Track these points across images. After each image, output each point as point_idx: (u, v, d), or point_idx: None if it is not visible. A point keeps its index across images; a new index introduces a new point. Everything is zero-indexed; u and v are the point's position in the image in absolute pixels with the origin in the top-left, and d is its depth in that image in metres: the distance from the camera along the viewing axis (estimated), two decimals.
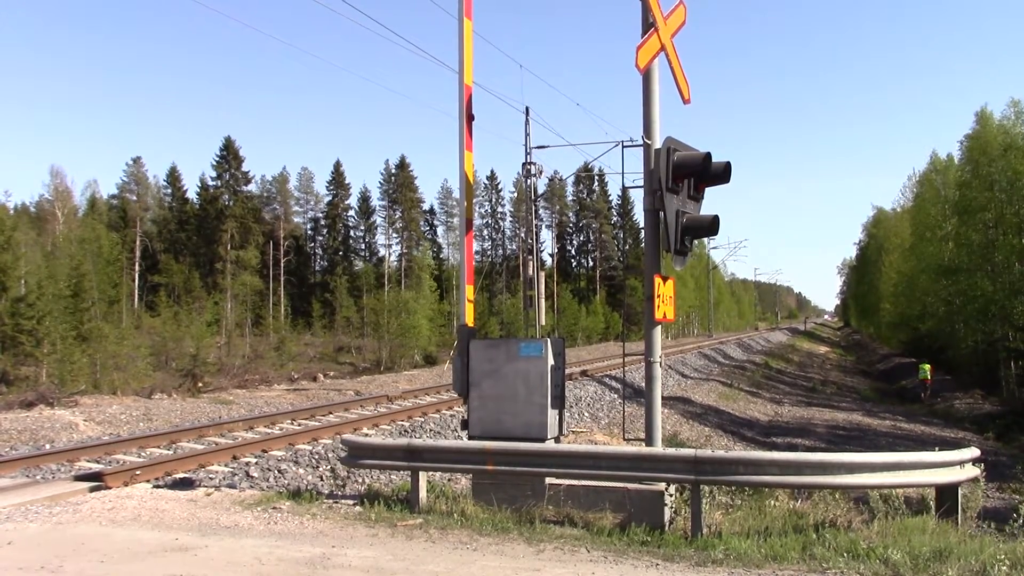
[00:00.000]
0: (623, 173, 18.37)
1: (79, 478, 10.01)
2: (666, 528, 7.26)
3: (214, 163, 69.62)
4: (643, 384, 9.13)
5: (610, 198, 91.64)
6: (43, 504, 8.28)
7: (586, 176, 74.22)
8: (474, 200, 41.46)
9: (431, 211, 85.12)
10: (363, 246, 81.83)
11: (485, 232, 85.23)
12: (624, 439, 13.51)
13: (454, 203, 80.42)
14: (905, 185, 62.88)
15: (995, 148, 33.77)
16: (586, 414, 19.94)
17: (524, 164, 21.10)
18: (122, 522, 7.47)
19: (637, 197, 9.75)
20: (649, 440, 8.26)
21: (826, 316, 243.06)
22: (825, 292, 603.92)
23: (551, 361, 8.29)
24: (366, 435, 13.76)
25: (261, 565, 6.04)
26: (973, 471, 7.66)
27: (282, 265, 73.31)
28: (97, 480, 9.65)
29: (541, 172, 21.55)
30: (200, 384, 32.53)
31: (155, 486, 9.64)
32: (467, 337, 8.80)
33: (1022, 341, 31.67)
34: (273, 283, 71.28)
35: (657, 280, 8.22)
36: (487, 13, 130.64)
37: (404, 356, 49.11)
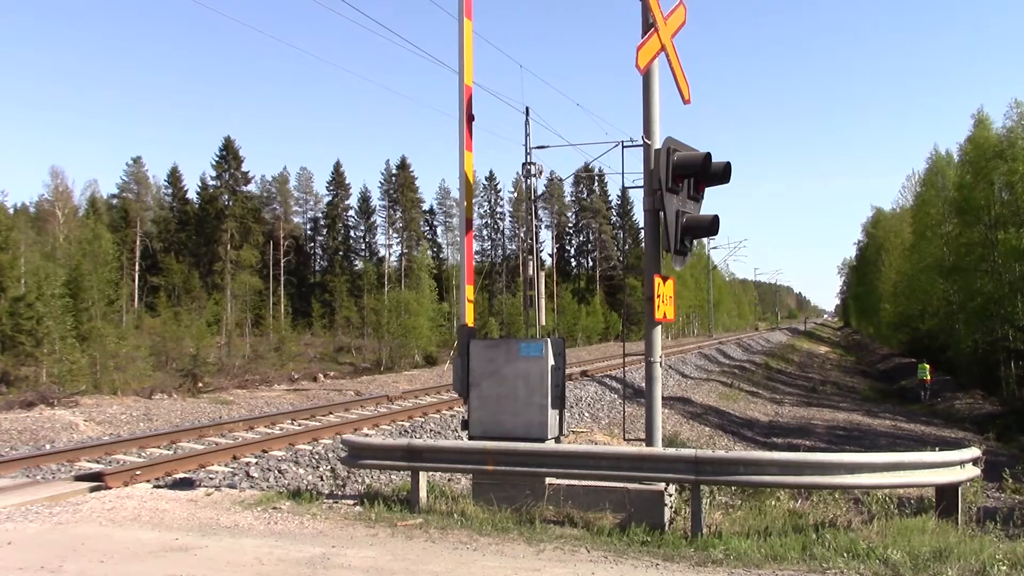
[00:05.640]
0: (623, 173, 18.38)
1: (79, 478, 10.02)
2: (666, 528, 7.26)
3: (214, 163, 69.70)
4: (643, 384, 9.13)
5: (610, 198, 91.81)
6: (43, 504, 8.28)
7: (585, 176, 74.22)
8: (474, 200, 41.45)
9: (431, 211, 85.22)
10: (363, 246, 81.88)
11: (485, 232, 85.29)
12: (624, 439, 13.51)
13: (453, 203, 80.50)
14: (905, 185, 62.93)
15: (992, 149, 33.78)
16: (586, 414, 19.94)
17: (524, 164, 21.10)
18: (122, 522, 7.47)
19: (637, 197, 9.76)
20: (649, 440, 8.26)
21: (826, 316, 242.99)
22: (825, 292, 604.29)
23: (551, 361, 8.29)
24: (366, 435, 13.76)
25: (261, 565, 6.04)
26: (973, 471, 7.66)
27: (282, 265, 73.30)
28: (97, 480, 9.64)
29: (541, 172, 21.55)
30: (200, 384, 32.57)
31: (155, 486, 9.64)
32: (467, 337, 8.80)
33: (1022, 341, 31.67)
34: (273, 283, 71.27)
35: (657, 280, 8.22)
36: (487, 13, 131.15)
37: (404, 356, 49.14)
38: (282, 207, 78.61)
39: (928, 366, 35.07)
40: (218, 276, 63.21)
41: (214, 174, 69.86)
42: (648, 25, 8.11)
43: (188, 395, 24.21)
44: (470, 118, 9.37)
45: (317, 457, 11.91)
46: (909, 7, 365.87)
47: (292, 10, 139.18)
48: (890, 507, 7.92)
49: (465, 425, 8.70)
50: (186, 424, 15.86)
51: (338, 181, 79.17)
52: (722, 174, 8.27)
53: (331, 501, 8.40)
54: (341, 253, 78.84)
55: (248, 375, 38.59)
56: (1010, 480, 10.79)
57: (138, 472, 10.21)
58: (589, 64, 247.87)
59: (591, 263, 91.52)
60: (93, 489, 9.18)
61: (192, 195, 73.19)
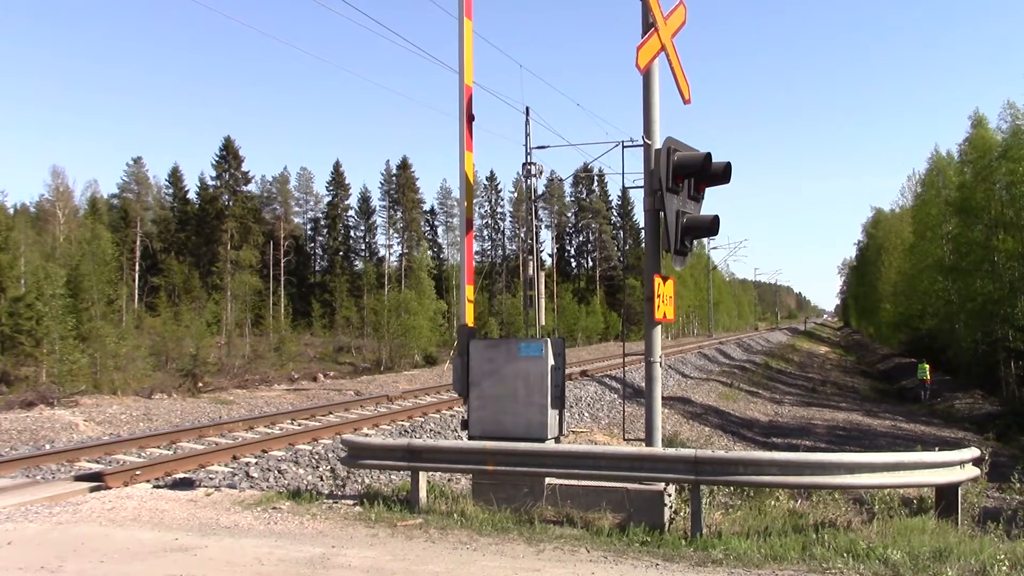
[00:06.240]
0: (623, 173, 18.37)
1: (79, 478, 10.01)
2: (666, 528, 7.25)
3: (214, 163, 69.75)
4: (643, 384, 9.13)
5: (610, 198, 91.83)
6: (43, 504, 8.28)
7: (585, 176, 74.24)
8: (474, 200, 41.41)
9: (431, 211, 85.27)
10: (363, 246, 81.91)
11: (485, 232, 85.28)
12: (624, 439, 13.50)
13: (454, 203, 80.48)
14: (904, 185, 63.03)
15: (994, 150, 33.86)
16: (586, 414, 19.94)
17: (524, 164, 21.12)
18: (122, 522, 7.47)
19: (637, 197, 9.78)
20: (649, 440, 8.25)
21: (826, 316, 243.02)
22: (825, 292, 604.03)
23: (551, 361, 8.29)
24: (366, 435, 13.75)
25: (261, 565, 6.04)
26: (973, 471, 7.66)
27: (282, 265, 73.31)
28: (97, 480, 9.64)
29: (541, 172, 21.56)
30: (200, 384, 32.58)
31: (155, 486, 9.64)
32: (467, 337, 8.80)
33: (1022, 341, 31.67)
34: (273, 283, 71.26)
35: (657, 280, 8.22)
36: (487, 13, 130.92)
37: (404, 356, 49.12)
38: (282, 207, 78.63)
39: (928, 366, 35.06)
40: (218, 276, 63.21)
41: (214, 174, 69.98)
42: (648, 25, 8.11)
43: (188, 395, 24.21)
44: (470, 118, 9.37)
45: (317, 457, 11.91)
46: (909, 7, 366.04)
47: (292, 10, 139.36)
48: (891, 507, 7.92)
49: (465, 425, 8.70)
50: (186, 424, 15.85)
51: (338, 181, 79.19)
52: (722, 174, 8.27)
53: (331, 501, 8.40)
54: (341, 253, 78.84)
55: (248, 375, 38.59)
56: (1018, 484, 10.77)
57: (138, 472, 10.20)
58: (589, 64, 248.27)
59: (591, 263, 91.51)
60: (93, 489, 9.18)
61: (192, 195, 73.31)
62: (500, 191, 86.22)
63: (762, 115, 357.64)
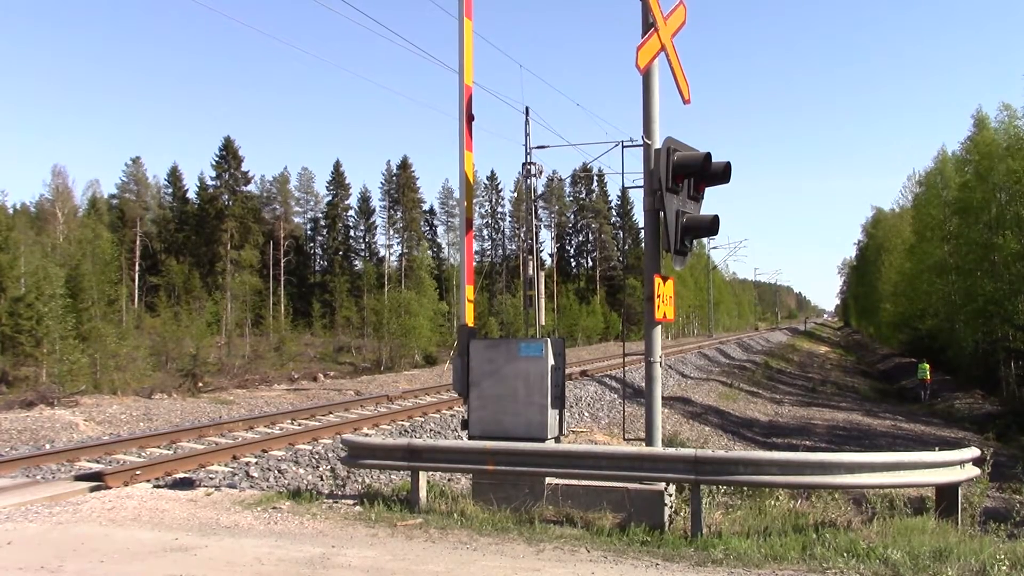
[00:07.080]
0: (623, 173, 18.42)
1: (79, 478, 10.01)
2: (666, 528, 7.25)
3: (214, 163, 69.80)
4: (643, 384, 9.13)
5: (610, 198, 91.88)
6: (43, 504, 8.28)
7: (584, 176, 74.26)
8: (474, 200, 41.47)
9: (431, 211, 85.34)
10: (363, 246, 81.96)
11: (485, 232, 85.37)
12: (624, 439, 13.50)
13: (454, 203, 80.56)
14: (905, 185, 62.99)
15: (995, 150, 33.87)
16: (586, 414, 19.94)
17: (524, 164, 21.14)
18: (122, 522, 7.47)
19: (637, 197, 9.76)
20: (649, 440, 8.25)
21: (826, 316, 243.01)
22: (825, 292, 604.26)
23: (551, 361, 8.29)
24: (366, 435, 13.75)
25: (261, 565, 6.04)
26: (973, 471, 7.65)
27: (282, 265, 73.34)
28: (97, 480, 9.64)
29: (541, 172, 21.58)
30: (200, 384, 32.59)
31: (155, 486, 9.64)
32: (467, 337, 8.80)
33: (1022, 341, 31.66)
34: (273, 283, 71.30)
35: (657, 280, 8.22)
36: (487, 13, 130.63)
37: (404, 356, 49.15)
38: (282, 207, 78.69)
39: (928, 366, 35.05)
40: (218, 276, 63.24)
41: (214, 174, 70.03)
42: (648, 25, 8.11)
43: (188, 395, 24.21)
44: (470, 118, 9.37)
45: (317, 457, 11.91)
46: (909, 7, 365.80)
47: (292, 10, 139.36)
48: (892, 507, 7.91)
49: (465, 425, 8.70)
50: (186, 424, 15.85)
51: (338, 181, 79.27)
52: (722, 174, 8.26)
53: (331, 501, 8.40)
54: (341, 253, 78.89)
55: (248, 375, 38.60)
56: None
57: (138, 472, 10.20)
58: (589, 64, 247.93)
59: (591, 263, 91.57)
60: (93, 489, 9.17)
61: (192, 195, 73.36)
62: (500, 191, 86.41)
63: (762, 115, 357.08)
